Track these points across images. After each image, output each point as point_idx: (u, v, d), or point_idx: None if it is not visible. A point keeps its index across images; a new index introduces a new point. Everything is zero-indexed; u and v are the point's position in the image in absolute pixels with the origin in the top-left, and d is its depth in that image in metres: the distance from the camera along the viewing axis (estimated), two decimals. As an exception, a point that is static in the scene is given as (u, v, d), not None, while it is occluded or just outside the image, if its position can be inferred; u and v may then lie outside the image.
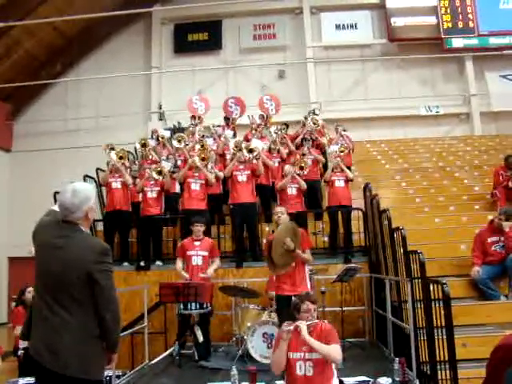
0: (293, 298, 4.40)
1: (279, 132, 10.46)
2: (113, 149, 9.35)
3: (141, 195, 9.25)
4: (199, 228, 7.21)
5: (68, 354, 2.96)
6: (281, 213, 6.09)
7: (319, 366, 3.85)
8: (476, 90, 16.73)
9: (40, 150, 16.08)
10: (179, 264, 7.14)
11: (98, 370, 3.16)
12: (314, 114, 11.97)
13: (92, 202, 3.22)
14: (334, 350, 3.83)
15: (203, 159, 8.87)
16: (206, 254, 7.12)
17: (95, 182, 10.83)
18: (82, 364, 2.99)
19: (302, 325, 3.85)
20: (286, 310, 5.77)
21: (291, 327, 3.89)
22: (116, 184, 9.04)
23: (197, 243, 7.16)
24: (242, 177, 8.67)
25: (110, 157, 9.27)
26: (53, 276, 3.03)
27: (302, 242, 5.75)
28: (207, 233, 8.63)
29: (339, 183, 8.98)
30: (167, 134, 11.89)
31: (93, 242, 3.22)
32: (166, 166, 9.43)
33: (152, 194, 8.95)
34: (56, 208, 3.33)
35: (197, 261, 7.06)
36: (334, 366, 3.96)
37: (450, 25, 16.79)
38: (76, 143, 15.85)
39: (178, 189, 9.78)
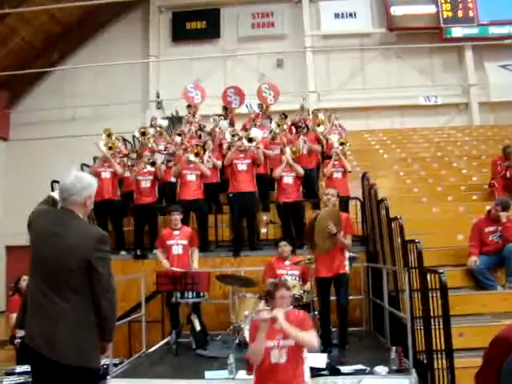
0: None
1: (281, 125, 10.37)
2: (110, 135, 9.29)
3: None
4: (177, 217, 7.30)
5: (64, 342, 2.95)
6: (332, 195, 6.26)
7: (292, 353, 3.81)
8: (475, 79, 16.71)
9: (37, 138, 16.04)
10: (159, 254, 7.27)
11: (95, 358, 3.15)
12: (301, 108, 11.94)
13: (93, 192, 3.24)
14: (313, 337, 3.79)
15: (197, 154, 8.81)
16: (185, 242, 7.24)
17: (93, 170, 10.79)
18: (78, 352, 2.98)
19: (279, 313, 3.80)
20: (327, 293, 6.01)
21: (268, 316, 3.83)
22: (105, 174, 8.98)
23: (176, 232, 7.25)
24: (242, 165, 8.63)
25: (100, 150, 9.21)
26: (49, 263, 3.02)
27: (344, 227, 5.99)
28: (204, 223, 8.65)
29: (337, 174, 8.95)
30: (165, 123, 11.84)
31: (91, 229, 3.23)
32: (159, 158, 9.42)
33: (146, 183, 8.90)
34: (54, 194, 3.36)
35: (177, 250, 7.17)
36: (305, 352, 3.92)
37: (449, 14, 16.73)
38: (73, 132, 15.79)
39: (173, 178, 9.75)
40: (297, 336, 3.73)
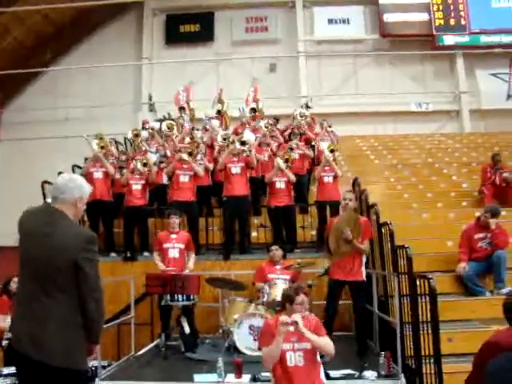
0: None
1: (269, 126, 10.43)
2: (101, 139, 9.25)
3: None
4: (175, 220, 7.29)
5: (52, 343, 2.93)
6: (349, 199, 6.25)
7: (309, 356, 3.86)
8: (466, 87, 16.85)
9: (29, 139, 15.94)
10: (156, 256, 7.25)
11: (83, 360, 3.15)
12: (306, 107, 11.93)
13: (85, 195, 3.26)
14: (328, 343, 3.86)
15: (190, 154, 8.81)
16: (182, 246, 7.21)
17: (84, 171, 10.75)
18: (66, 354, 2.96)
19: (299, 318, 3.83)
20: (336, 294, 6.05)
21: (289, 321, 3.84)
22: (97, 174, 8.95)
23: (173, 236, 7.24)
24: (236, 169, 8.61)
25: (91, 146, 9.18)
26: (37, 263, 3.00)
27: (364, 232, 5.99)
28: (195, 224, 8.64)
29: (328, 179, 8.94)
30: (157, 125, 11.82)
31: (79, 229, 3.26)
32: (152, 157, 9.38)
33: (137, 186, 8.87)
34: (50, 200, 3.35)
35: (174, 253, 7.15)
36: (318, 355, 3.96)
37: (441, 22, 16.87)
38: (65, 133, 15.72)
39: (165, 180, 9.72)
40: (316, 341, 3.77)
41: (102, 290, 3.13)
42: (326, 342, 3.85)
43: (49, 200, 3.39)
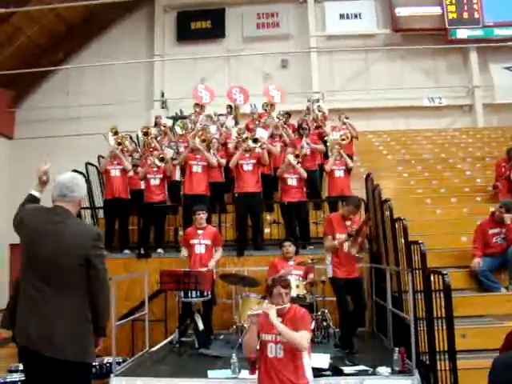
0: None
1: (281, 117, 10.40)
2: (116, 133, 9.30)
3: (143, 183, 9.22)
4: (202, 216, 7.19)
5: (64, 339, 2.99)
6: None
7: (289, 349, 3.86)
8: (479, 81, 16.68)
9: (42, 137, 16.03)
10: (184, 253, 7.19)
11: (92, 354, 3.22)
12: (317, 102, 11.90)
13: (84, 194, 3.37)
14: (300, 337, 3.81)
15: (203, 141, 8.83)
16: (209, 242, 7.13)
17: (97, 169, 10.82)
18: (77, 348, 3.04)
19: (271, 309, 3.86)
20: (345, 292, 6.12)
21: (259, 311, 3.93)
22: (115, 171, 9.00)
23: (200, 232, 7.15)
24: (247, 166, 8.61)
25: (108, 143, 9.23)
26: (46, 261, 3.05)
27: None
28: (208, 221, 8.64)
29: (339, 173, 8.90)
30: (169, 122, 11.84)
31: (87, 227, 3.37)
32: (169, 152, 9.40)
33: (155, 181, 8.90)
34: (34, 192, 3.46)
35: (200, 249, 7.07)
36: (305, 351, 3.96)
37: (454, 15, 16.71)
38: (78, 131, 15.79)
39: (178, 176, 9.75)
40: (285, 333, 3.78)
41: (109, 285, 3.24)
42: (296, 336, 3.80)
43: (35, 192, 3.49)
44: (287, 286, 4.06)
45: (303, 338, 3.83)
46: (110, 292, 3.29)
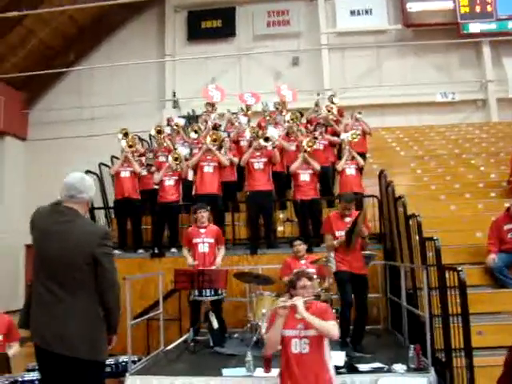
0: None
1: (294, 119, 10.36)
2: (126, 134, 9.34)
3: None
4: (203, 215, 7.20)
5: (76, 337, 3.03)
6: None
7: (315, 344, 3.84)
8: (493, 75, 16.53)
9: (55, 138, 16.16)
10: (185, 252, 7.19)
11: (104, 351, 3.25)
12: (332, 101, 11.82)
13: (93, 194, 3.40)
14: (332, 326, 3.81)
15: (214, 140, 8.84)
16: (212, 241, 7.14)
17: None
18: (90, 346, 3.07)
19: (299, 301, 3.84)
20: (349, 286, 6.04)
21: (288, 303, 3.88)
22: (125, 173, 9.04)
23: (202, 230, 7.16)
24: (258, 164, 8.62)
25: (120, 144, 9.28)
26: (55, 261, 3.09)
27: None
28: (221, 220, 8.66)
29: (350, 171, 8.90)
30: (182, 121, 11.86)
31: (94, 226, 3.43)
32: (183, 151, 9.42)
33: (170, 181, 8.91)
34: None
35: (203, 248, 7.08)
36: (326, 344, 3.93)
37: (467, 9, 16.55)
38: (90, 131, 15.90)
39: (190, 176, 9.77)
40: (316, 323, 3.76)
41: (118, 283, 3.24)
42: (328, 325, 3.79)
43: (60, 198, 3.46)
44: (311, 278, 4.07)
45: (334, 326, 3.83)
46: (121, 290, 3.30)
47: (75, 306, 3.05)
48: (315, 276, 6.75)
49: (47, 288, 3.08)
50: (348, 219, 6.18)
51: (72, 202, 3.25)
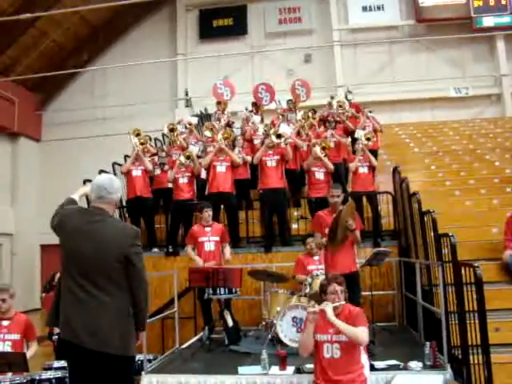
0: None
1: (307, 118, 10.30)
2: (139, 134, 9.35)
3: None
4: (209, 213, 7.26)
5: (108, 333, 3.12)
6: (337, 195, 6.22)
7: (346, 349, 3.87)
8: (507, 70, 16.40)
9: (69, 138, 16.32)
10: (190, 251, 7.23)
11: (133, 347, 3.34)
12: (346, 98, 11.75)
13: (120, 196, 3.50)
14: (361, 332, 3.83)
15: (226, 138, 8.85)
16: (217, 239, 7.19)
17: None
18: (122, 342, 3.17)
19: (328, 306, 3.86)
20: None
21: (317, 309, 3.91)
22: (136, 172, 9.02)
23: (207, 229, 7.21)
24: (271, 162, 8.60)
25: (132, 143, 9.29)
26: (88, 260, 3.17)
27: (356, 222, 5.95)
28: (235, 218, 8.66)
29: (363, 169, 8.82)
30: (195, 120, 11.86)
31: (126, 226, 3.47)
32: (194, 150, 9.42)
33: (183, 179, 8.88)
34: (74, 196, 3.60)
35: (209, 246, 7.12)
36: (362, 349, 3.95)
37: (480, 3, 16.44)
38: (104, 131, 16.01)
39: (203, 175, 9.77)
40: (345, 329, 3.77)
41: (147, 281, 3.34)
42: (356, 331, 3.82)
43: (75, 196, 3.63)
44: (341, 282, 4.08)
45: (364, 332, 3.85)
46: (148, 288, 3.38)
47: (107, 303, 3.14)
48: None
49: (80, 285, 3.16)
50: None
51: (101, 202, 3.33)
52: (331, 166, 8.70)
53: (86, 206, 3.54)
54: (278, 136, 8.71)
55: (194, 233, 7.28)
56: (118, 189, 3.43)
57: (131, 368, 3.39)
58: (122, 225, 3.45)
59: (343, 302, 4.01)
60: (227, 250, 7.32)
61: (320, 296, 4.11)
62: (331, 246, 5.91)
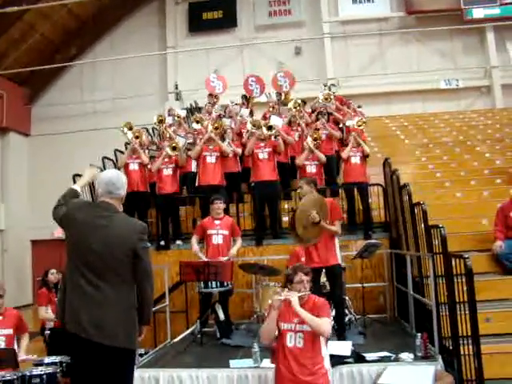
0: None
1: (298, 107, 10.30)
2: (131, 128, 9.30)
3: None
4: (220, 205, 7.08)
5: (114, 326, 3.16)
6: (300, 187, 6.06)
7: (309, 339, 3.89)
8: (497, 61, 16.44)
9: (58, 133, 16.19)
10: (195, 243, 7.10)
11: (137, 341, 3.39)
12: (329, 89, 11.74)
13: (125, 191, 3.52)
14: (324, 323, 3.84)
15: (216, 128, 8.81)
16: (226, 233, 7.03)
17: (113, 163, 10.84)
18: (127, 335, 3.22)
19: (293, 296, 3.87)
20: (317, 282, 5.73)
21: (282, 297, 3.92)
22: (133, 165, 8.99)
23: (217, 222, 7.04)
24: (263, 154, 8.58)
25: (126, 137, 9.24)
26: (96, 254, 3.20)
27: (331, 213, 5.74)
28: (226, 211, 8.63)
29: (355, 159, 8.80)
30: (183, 113, 11.83)
31: (133, 221, 3.53)
32: (181, 141, 9.37)
33: (168, 171, 8.83)
34: (75, 187, 3.62)
35: (217, 240, 6.97)
36: (322, 339, 3.98)
37: (470, -6, 16.39)
38: (93, 125, 15.92)
39: (194, 167, 9.73)
40: (308, 319, 3.81)
41: (153, 276, 3.42)
42: (320, 322, 3.82)
43: (76, 187, 3.65)
44: (308, 273, 4.07)
45: (327, 323, 3.87)
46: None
47: (114, 296, 3.19)
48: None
49: (87, 279, 3.20)
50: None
51: (109, 197, 3.38)
52: (323, 158, 8.70)
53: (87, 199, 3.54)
54: (269, 128, 8.69)
55: (204, 225, 7.12)
56: (125, 184, 3.50)
57: (134, 361, 3.45)
58: (129, 220, 3.49)
59: (308, 292, 4.01)
60: (237, 244, 7.15)
61: (286, 285, 4.11)
62: (301, 242, 5.86)
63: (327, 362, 4.00)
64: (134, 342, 3.31)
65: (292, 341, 3.92)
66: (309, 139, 8.75)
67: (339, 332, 5.85)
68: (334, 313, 5.82)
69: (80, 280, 3.21)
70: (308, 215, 5.57)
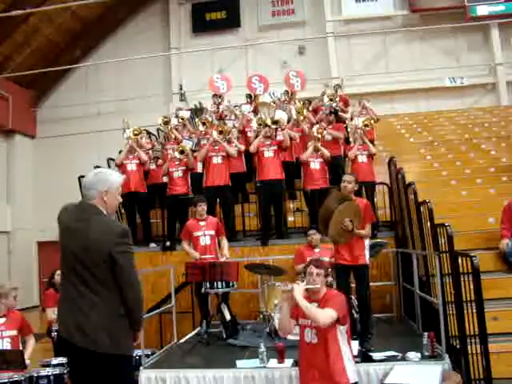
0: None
1: (300, 111, 10.23)
2: (138, 133, 9.30)
3: (165, 177, 9.22)
4: (204, 207, 7.20)
5: (97, 332, 3.06)
6: (348, 182, 5.91)
7: (322, 335, 3.84)
8: (502, 58, 16.36)
9: (63, 135, 16.25)
10: (186, 245, 7.15)
11: (128, 346, 3.27)
12: (336, 91, 11.70)
13: (112, 187, 3.30)
14: (320, 312, 3.77)
15: (221, 132, 8.81)
16: (213, 233, 7.13)
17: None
18: (111, 340, 3.09)
19: (299, 286, 3.85)
20: (344, 279, 5.81)
21: (288, 287, 3.88)
22: (131, 166, 8.98)
23: (202, 223, 7.15)
24: (268, 152, 8.55)
25: (125, 134, 9.24)
26: (76, 258, 3.12)
27: (364, 216, 5.72)
28: (231, 211, 8.63)
29: (362, 158, 8.76)
30: (187, 114, 11.83)
31: (112, 224, 3.29)
32: (188, 144, 9.38)
33: (178, 173, 8.86)
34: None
35: (205, 241, 7.07)
36: (341, 336, 3.89)
37: (474, -8, 16.33)
38: (98, 127, 15.98)
39: (200, 168, 9.74)
40: (305, 307, 3.76)
41: (138, 281, 3.24)
42: (316, 311, 3.76)
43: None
44: (319, 266, 4.03)
45: (324, 313, 3.77)
46: (140, 287, 3.27)
47: (96, 303, 3.09)
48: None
49: (71, 283, 3.14)
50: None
51: (86, 199, 3.27)
52: (327, 154, 8.64)
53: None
54: (275, 122, 8.67)
55: (189, 227, 7.20)
56: (98, 182, 3.25)
57: (126, 367, 3.29)
58: (107, 223, 3.27)
59: (318, 286, 3.95)
60: (225, 244, 7.25)
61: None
62: (331, 240, 5.87)
63: (348, 360, 3.91)
64: (119, 347, 3.16)
65: (308, 337, 3.90)
66: (314, 129, 8.73)
67: (362, 332, 5.79)
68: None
69: (67, 285, 3.18)
70: (342, 222, 5.57)
